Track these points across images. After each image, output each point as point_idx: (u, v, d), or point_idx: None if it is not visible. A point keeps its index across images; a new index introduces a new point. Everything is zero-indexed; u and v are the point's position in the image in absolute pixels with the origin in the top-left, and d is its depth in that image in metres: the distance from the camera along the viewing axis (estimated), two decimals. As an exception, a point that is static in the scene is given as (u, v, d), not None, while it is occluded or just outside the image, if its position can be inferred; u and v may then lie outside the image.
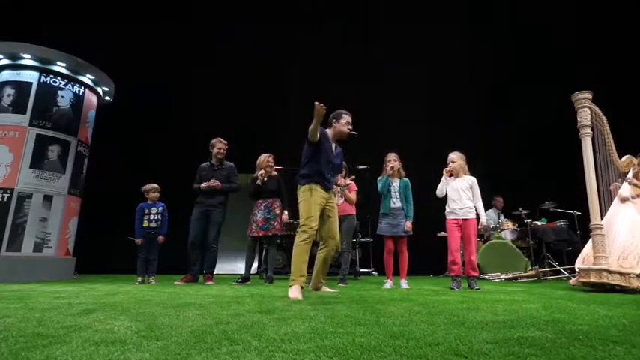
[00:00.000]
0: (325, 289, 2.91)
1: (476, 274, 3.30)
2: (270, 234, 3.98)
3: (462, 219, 3.30)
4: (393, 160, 3.60)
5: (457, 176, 3.42)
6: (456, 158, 3.43)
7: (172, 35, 7.05)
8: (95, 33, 6.46)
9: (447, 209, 3.40)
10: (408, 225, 3.46)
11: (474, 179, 3.41)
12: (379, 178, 3.68)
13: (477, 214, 3.36)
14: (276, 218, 4.02)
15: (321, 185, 2.59)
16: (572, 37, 6.44)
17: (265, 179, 4.06)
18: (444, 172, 3.44)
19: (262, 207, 4.03)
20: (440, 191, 3.45)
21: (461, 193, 3.34)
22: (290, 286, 2.40)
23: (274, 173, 4.18)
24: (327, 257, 2.74)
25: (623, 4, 6.08)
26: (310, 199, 2.53)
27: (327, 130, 2.77)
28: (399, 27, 7.20)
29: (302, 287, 2.41)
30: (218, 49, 7.11)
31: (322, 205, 2.60)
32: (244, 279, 3.95)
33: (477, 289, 3.12)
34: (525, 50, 6.83)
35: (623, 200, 3.34)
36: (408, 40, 7.05)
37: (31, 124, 4.45)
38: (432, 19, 7.14)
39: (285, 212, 4.15)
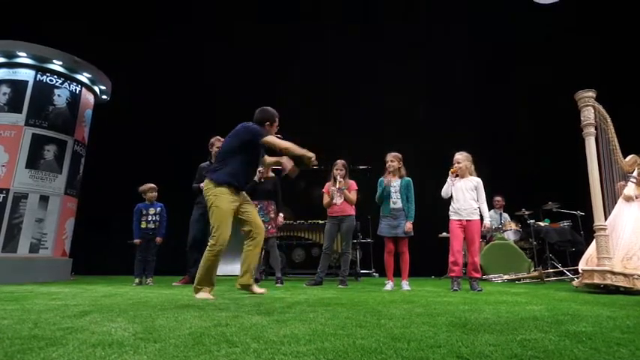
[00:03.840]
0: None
1: (478, 275, 3.26)
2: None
3: (466, 220, 3.26)
4: (390, 162, 3.56)
5: (462, 176, 3.38)
6: (461, 159, 3.38)
7: (170, 34, 7.02)
8: (92, 31, 6.43)
9: (451, 209, 3.35)
10: (409, 226, 3.42)
11: (479, 180, 3.36)
12: (380, 178, 3.66)
13: (481, 216, 3.31)
14: (271, 221, 4.02)
15: (234, 188, 2.49)
16: (575, 35, 6.44)
17: (262, 180, 4.05)
18: (450, 172, 3.39)
19: (257, 209, 4.02)
20: (445, 192, 3.40)
21: (465, 193, 3.29)
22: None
23: (271, 174, 4.17)
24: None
25: (626, 3, 6.09)
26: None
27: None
28: (399, 25, 7.21)
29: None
30: (217, 47, 7.09)
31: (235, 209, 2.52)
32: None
33: (479, 290, 3.09)
34: (528, 48, 6.83)
35: (628, 199, 3.31)
36: (407, 38, 7.06)
37: (26, 124, 4.41)
38: (432, 17, 7.14)
39: (281, 215, 4.16)
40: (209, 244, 2.46)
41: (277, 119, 2.67)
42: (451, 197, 3.38)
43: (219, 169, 2.49)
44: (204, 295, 2.44)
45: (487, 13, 6.91)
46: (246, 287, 2.65)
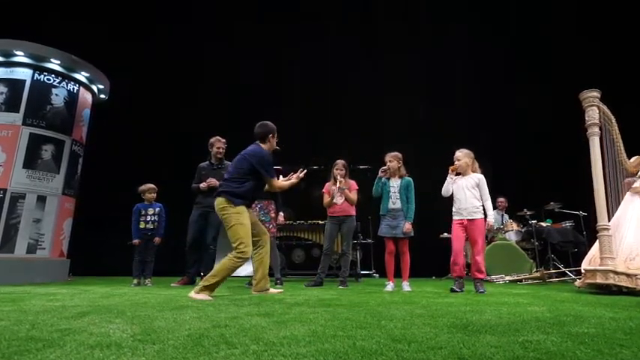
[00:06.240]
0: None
1: (482, 276, 3.14)
2: None
3: (467, 219, 3.16)
4: (389, 161, 3.52)
5: (464, 174, 3.28)
6: (461, 156, 3.27)
7: (170, 33, 7.01)
8: (91, 31, 6.41)
9: (453, 209, 3.26)
10: (408, 226, 3.35)
11: (481, 176, 3.24)
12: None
13: (486, 213, 3.20)
14: (271, 221, 4.00)
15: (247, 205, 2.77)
16: (576, 34, 6.43)
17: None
18: (449, 169, 3.29)
19: (257, 209, 4.00)
20: (445, 190, 3.30)
21: (466, 191, 3.19)
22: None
23: None
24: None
25: (629, 3, 6.08)
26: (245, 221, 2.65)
27: (263, 145, 2.87)
28: (399, 24, 7.20)
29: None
30: (217, 47, 7.08)
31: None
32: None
33: (481, 292, 3.01)
34: (529, 48, 6.82)
35: (637, 192, 3.25)
36: (408, 38, 7.05)
37: (24, 123, 4.39)
38: (433, 17, 7.14)
39: (282, 214, 4.14)
40: (238, 254, 2.55)
41: (275, 130, 2.93)
42: (453, 197, 3.28)
43: (236, 189, 2.69)
44: (202, 296, 2.45)
45: (487, 13, 6.91)
46: (264, 292, 2.90)
